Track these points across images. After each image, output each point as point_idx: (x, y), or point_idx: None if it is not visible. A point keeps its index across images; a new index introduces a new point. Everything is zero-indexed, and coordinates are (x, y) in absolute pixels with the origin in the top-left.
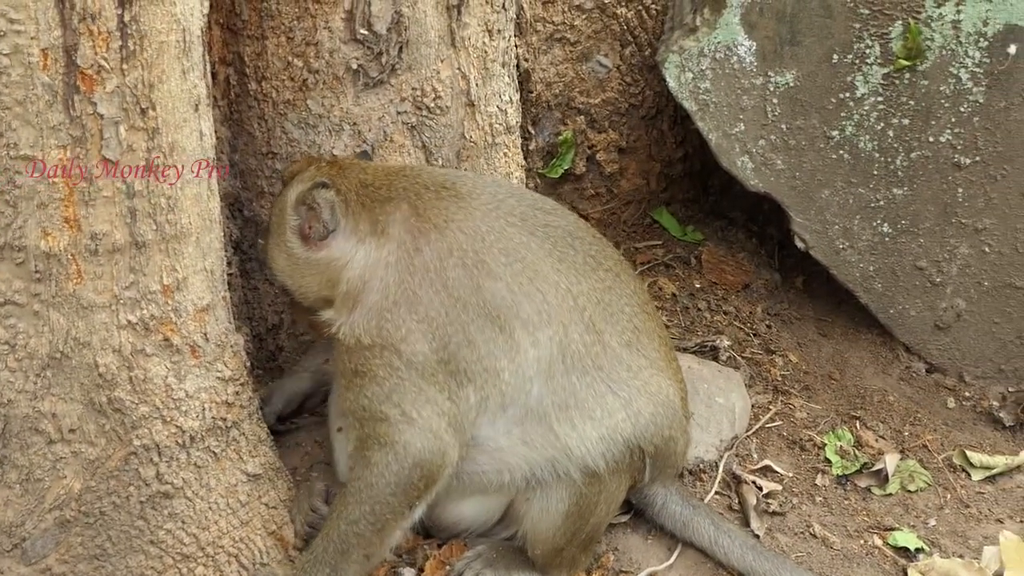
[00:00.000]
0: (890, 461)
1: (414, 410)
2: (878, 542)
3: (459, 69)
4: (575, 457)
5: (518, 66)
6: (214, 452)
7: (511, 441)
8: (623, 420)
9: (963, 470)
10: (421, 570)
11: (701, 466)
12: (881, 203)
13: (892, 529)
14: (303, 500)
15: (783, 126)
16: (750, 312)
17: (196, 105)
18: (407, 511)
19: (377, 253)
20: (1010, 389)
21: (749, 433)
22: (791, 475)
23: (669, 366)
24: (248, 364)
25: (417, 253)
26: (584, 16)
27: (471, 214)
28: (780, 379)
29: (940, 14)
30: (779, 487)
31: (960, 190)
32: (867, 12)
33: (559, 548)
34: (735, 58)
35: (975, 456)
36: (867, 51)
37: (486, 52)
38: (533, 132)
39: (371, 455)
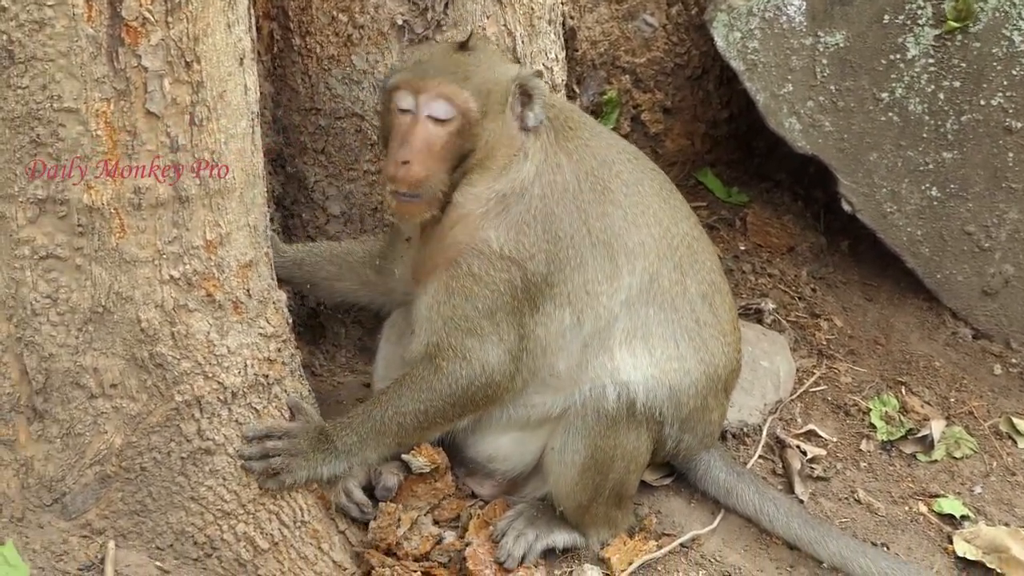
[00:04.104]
0: (936, 427)
1: (507, 331)
2: (923, 509)
3: (505, 26)
4: (619, 382)
5: (564, 24)
6: (256, 409)
7: (568, 365)
8: (675, 371)
9: (1009, 437)
10: (465, 529)
11: (745, 430)
12: (930, 166)
13: (937, 496)
14: (338, 480)
15: (832, 87)
16: (795, 275)
17: (241, 59)
18: (456, 419)
19: (531, 165)
20: None
21: (793, 397)
22: (835, 440)
23: (733, 332)
24: (290, 321)
25: (558, 170)
26: None
27: (600, 144)
28: (825, 343)
29: None
30: (823, 452)
31: (1011, 154)
32: None
33: (584, 504)
34: (784, 18)
35: (1022, 423)
36: (919, 12)
37: (532, 9)
38: (578, 91)
39: (444, 364)
